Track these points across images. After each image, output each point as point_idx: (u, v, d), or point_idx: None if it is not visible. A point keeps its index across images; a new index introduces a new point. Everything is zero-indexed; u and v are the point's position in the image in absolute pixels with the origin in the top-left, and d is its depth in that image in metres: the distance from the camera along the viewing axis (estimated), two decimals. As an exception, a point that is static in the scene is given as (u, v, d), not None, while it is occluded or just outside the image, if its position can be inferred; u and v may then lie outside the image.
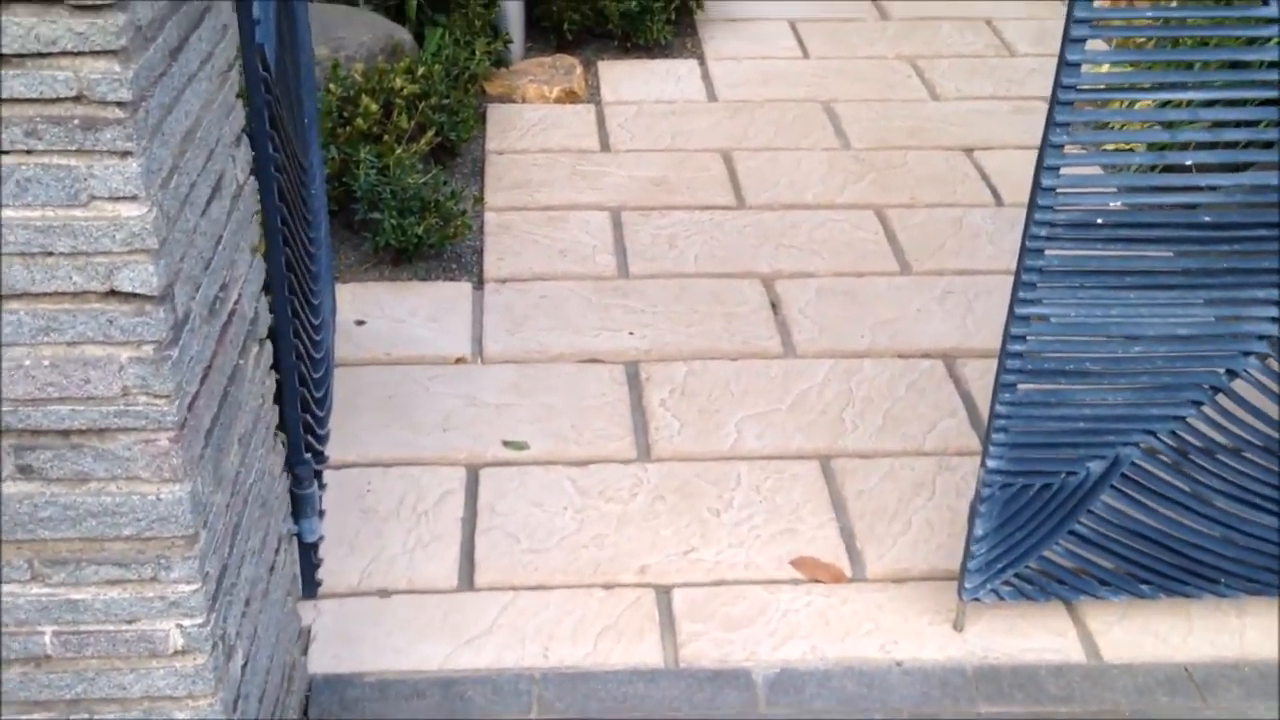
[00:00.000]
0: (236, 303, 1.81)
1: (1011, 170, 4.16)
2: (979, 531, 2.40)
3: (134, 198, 1.39)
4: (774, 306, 3.47)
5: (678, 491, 2.85)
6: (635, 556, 2.69)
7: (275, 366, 2.17)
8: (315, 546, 2.41)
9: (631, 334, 3.34)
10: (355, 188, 3.49)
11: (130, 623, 1.65)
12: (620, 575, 2.65)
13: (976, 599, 2.48)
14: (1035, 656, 2.51)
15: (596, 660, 2.46)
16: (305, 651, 2.43)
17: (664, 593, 2.62)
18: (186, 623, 1.66)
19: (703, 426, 3.04)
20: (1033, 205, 2.08)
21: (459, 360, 3.23)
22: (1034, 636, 2.54)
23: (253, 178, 1.91)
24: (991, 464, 2.33)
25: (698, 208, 3.90)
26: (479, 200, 3.73)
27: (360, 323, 3.35)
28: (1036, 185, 2.06)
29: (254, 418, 1.91)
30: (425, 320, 3.36)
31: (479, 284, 3.53)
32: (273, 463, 2.05)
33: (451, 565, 2.65)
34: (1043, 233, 2.10)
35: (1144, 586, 2.49)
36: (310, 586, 2.45)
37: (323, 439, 2.62)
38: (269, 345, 2.01)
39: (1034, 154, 4.32)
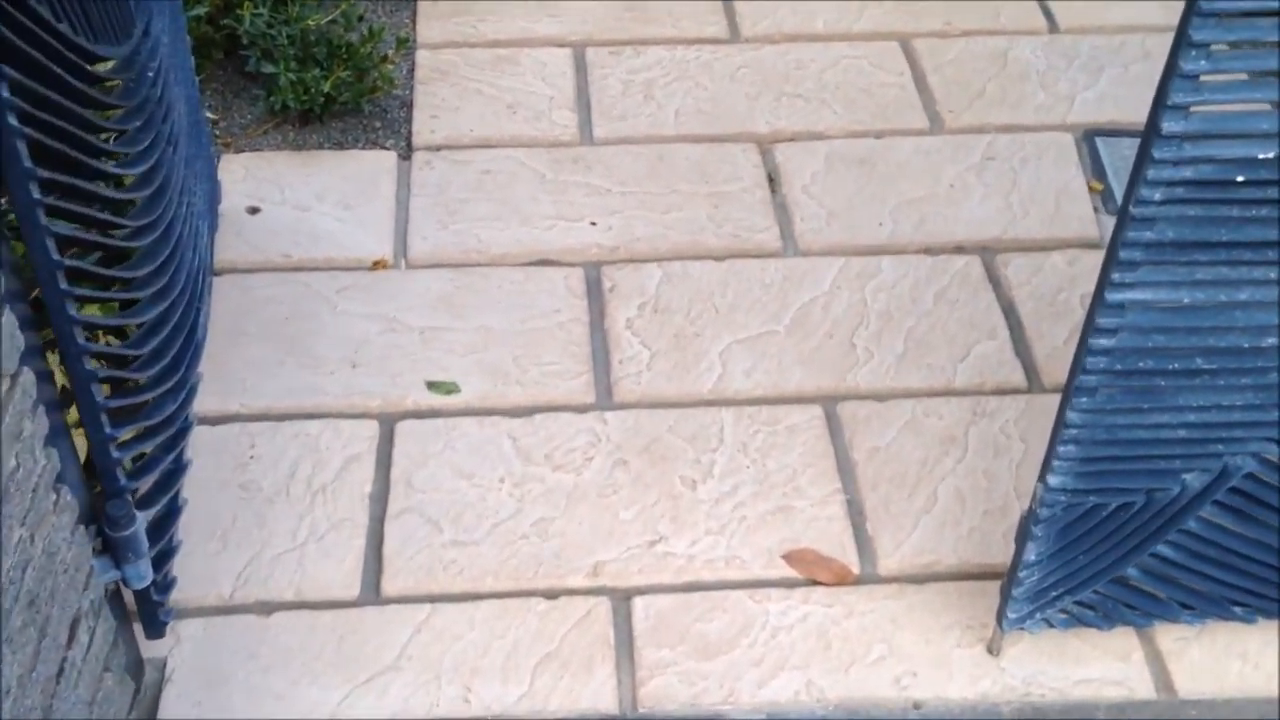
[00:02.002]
0: (-71, 360, 1.18)
1: (1069, -17, 3.38)
2: (1030, 556, 1.82)
3: None
4: (772, 182, 2.79)
5: (644, 453, 2.26)
6: (587, 550, 2.12)
7: (69, 377, 1.55)
8: (160, 585, 1.84)
9: (594, 224, 2.67)
10: (240, 32, 2.76)
11: None
12: (567, 577, 2.09)
13: (1022, 629, 1.93)
14: (1091, 691, 1.97)
15: (532, 705, 1.93)
16: (153, 710, 1.89)
17: (622, 601, 2.06)
18: None
19: (679, 357, 2.42)
20: (1145, 159, 1.41)
21: (377, 265, 2.58)
22: (1090, 662, 2.00)
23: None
24: (1054, 480, 1.72)
25: (681, 42, 3.15)
26: (404, 42, 2.99)
27: (254, 210, 2.68)
28: (1153, 131, 1.38)
29: (-8, 505, 1.30)
30: (336, 207, 2.70)
31: (406, 152, 2.83)
32: (49, 532, 1.45)
33: (353, 565, 2.09)
34: (1156, 195, 1.44)
35: (1237, 609, 1.93)
36: (155, 628, 1.89)
37: (185, 403, 2.02)
38: (27, 376, 1.38)
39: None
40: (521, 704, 1.93)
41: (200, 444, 2.23)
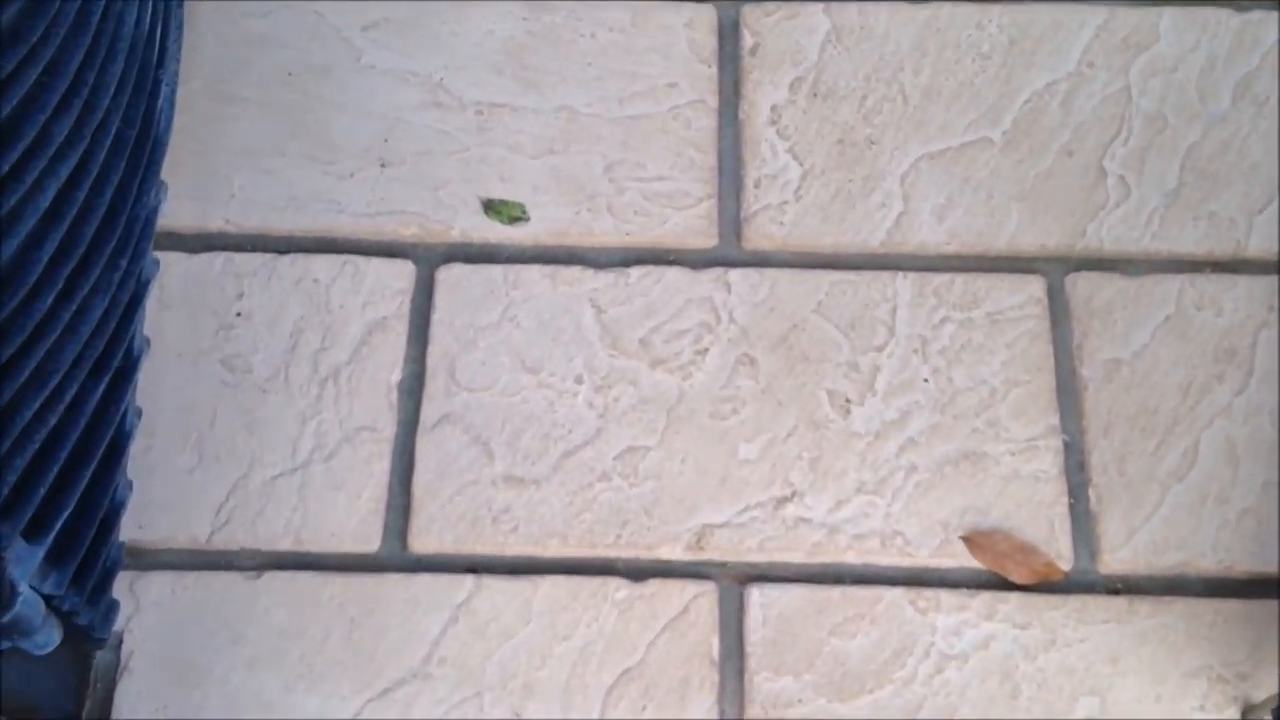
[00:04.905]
0: None
1: None
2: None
3: None
4: None
5: (780, 346, 1.60)
6: (689, 505, 1.53)
7: None
8: (95, 588, 1.31)
9: (734, -73, 1.81)
10: None
11: None
12: (660, 546, 1.52)
13: (1305, 739, 1.35)
14: (1377, 789, 1.42)
15: (602, 746, 1.44)
16: (105, 713, 1.43)
17: (733, 589, 1.50)
18: None
19: (842, 180, 1.67)
20: None
21: (417, -17, 1.79)
22: (1382, 740, 1.43)
23: None
24: None
25: None
26: None
27: (247, -124, 1.85)
28: None
29: None
30: (362, -124, 1.85)
31: None
32: None
33: (373, 503, 1.54)
34: None
35: None
36: (93, 644, 1.39)
37: (135, 263, 1.39)
38: None
39: None
40: (588, 743, 1.44)
41: (172, 284, 1.62)
